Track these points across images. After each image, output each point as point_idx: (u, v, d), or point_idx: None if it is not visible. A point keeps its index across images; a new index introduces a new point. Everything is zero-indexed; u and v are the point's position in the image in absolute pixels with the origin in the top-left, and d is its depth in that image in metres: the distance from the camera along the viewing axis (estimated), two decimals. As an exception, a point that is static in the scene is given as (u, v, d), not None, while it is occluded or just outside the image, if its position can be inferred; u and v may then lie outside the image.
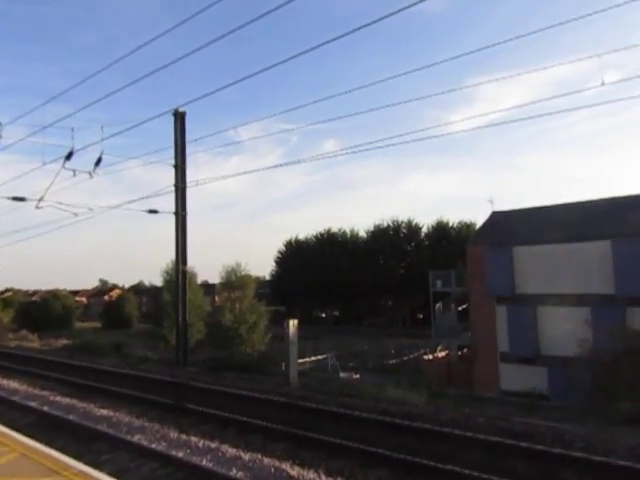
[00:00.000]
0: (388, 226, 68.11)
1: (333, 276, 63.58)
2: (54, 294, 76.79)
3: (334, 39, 9.00)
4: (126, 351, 26.11)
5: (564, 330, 23.14)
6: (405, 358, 36.14)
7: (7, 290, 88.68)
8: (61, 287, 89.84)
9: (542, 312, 25.20)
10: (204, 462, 7.42)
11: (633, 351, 16.02)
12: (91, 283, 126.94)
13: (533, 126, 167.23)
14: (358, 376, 24.48)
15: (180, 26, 9.99)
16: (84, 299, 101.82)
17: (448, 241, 60.28)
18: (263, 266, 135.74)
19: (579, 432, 9.13)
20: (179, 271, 20.30)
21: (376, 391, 14.18)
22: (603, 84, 9.87)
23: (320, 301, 70.62)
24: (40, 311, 67.60)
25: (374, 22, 8.40)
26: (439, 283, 31.71)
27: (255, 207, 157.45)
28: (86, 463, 5.93)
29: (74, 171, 15.82)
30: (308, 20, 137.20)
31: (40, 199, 16.48)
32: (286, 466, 7.13)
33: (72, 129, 14.90)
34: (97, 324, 72.02)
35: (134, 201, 19.34)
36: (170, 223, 20.36)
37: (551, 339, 24.44)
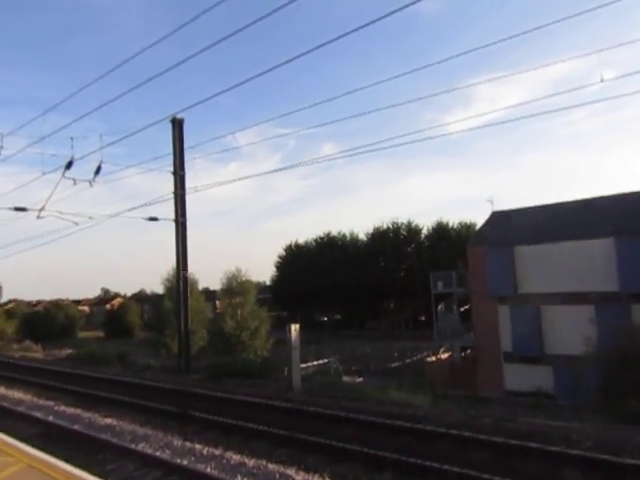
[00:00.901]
0: (388, 228, 67.94)
1: (334, 280, 63.40)
2: (57, 304, 76.76)
3: (330, 41, 9.00)
4: (129, 360, 26.10)
5: (568, 328, 23.04)
6: (408, 361, 36.00)
7: (10, 301, 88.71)
8: (64, 297, 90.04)
9: (545, 311, 25.10)
10: (209, 469, 7.39)
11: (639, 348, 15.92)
12: (93, 292, 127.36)
13: (533, 125, 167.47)
14: (361, 379, 24.36)
15: (176, 33, 10.02)
16: (86, 308, 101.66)
17: (448, 242, 60.06)
18: (263, 271, 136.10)
19: (587, 431, 9.07)
20: (180, 277, 20.28)
21: (379, 394, 14.11)
22: (602, 81, 9.85)
23: (321, 305, 70.42)
24: (43, 321, 67.66)
25: (370, 23, 8.40)
26: (440, 284, 31.53)
27: (254, 212, 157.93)
28: (92, 474, 5.90)
29: (74, 180, 15.89)
30: (304, 23, 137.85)
31: (41, 209, 16.52)
32: (291, 471, 7.11)
33: (71, 138, 14.96)
34: (100, 333, 71.91)
35: (134, 209, 19.30)
36: (170, 230, 20.42)
37: (555, 338, 24.32)
